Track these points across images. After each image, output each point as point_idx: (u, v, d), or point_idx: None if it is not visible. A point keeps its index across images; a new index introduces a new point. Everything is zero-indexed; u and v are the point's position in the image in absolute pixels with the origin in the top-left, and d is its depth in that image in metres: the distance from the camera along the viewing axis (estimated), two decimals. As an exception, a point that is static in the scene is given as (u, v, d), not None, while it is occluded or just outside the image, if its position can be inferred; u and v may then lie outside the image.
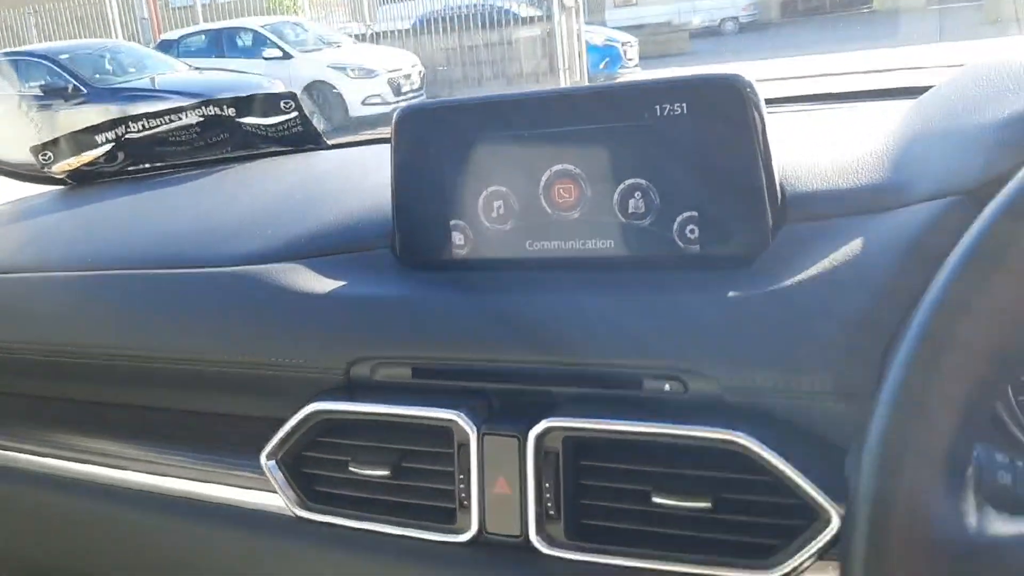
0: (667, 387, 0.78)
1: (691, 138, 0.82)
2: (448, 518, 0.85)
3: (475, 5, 13.10)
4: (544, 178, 0.87)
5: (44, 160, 1.45)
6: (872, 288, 0.71)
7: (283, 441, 0.92)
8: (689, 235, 0.83)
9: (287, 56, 11.93)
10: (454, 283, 0.89)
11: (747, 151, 0.80)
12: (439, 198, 0.91)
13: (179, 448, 1.03)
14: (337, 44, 12.77)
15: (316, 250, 0.98)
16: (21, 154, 1.53)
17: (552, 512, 0.80)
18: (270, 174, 1.29)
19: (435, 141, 0.91)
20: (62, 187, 1.50)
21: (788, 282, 0.75)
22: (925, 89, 0.91)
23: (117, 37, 14.37)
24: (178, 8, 16.27)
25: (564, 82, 12.01)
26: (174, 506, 1.00)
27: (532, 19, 12.82)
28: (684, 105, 0.82)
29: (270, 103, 1.43)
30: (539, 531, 0.80)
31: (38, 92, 10.19)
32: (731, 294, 0.76)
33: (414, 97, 11.54)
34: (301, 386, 0.92)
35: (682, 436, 0.75)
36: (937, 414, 0.46)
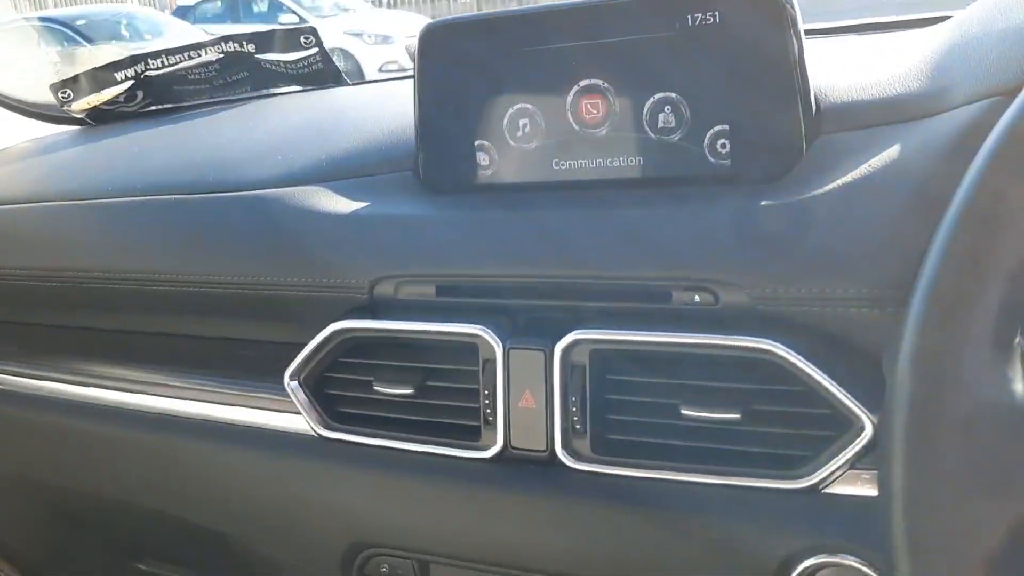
0: (697, 299, 0.76)
1: (724, 48, 0.80)
2: (473, 435, 0.84)
3: (494, -31, 12.95)
4: (571, 93, 0.85)
5: (63, 98, 1.44)
6: (910, 192, 0.69)
7: (306, 361, 0.91)
8: (720, 150, 0.81)
9: (303, 22, 11.87)
10: (479, 203, 0.88)
11: (782, 60, 0.77)
12: (464, 117, 0.90)
13: (201, 373, 1.03)
14: (353, 9, 12.70)
15: (339, 173, 0.97)
16: (41, 95, 1.53)
17: (578, 427, 0.79)
18: (291, 107, 1.27)
19: (460, 58, 0.89)
20: (82, 126, 1.49)
21: (822, 190, 0.73)
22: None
23: (134, 3, 14.34)
24: (194, -26, 16.19)
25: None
26: (196, 430, 1.00)
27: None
28: (717, 14, 0.80)
29: (290, 38, 1.41)
30: (565, 446, 0.80)
31: (55, 59, 10.19)
32: (763, 203, 0.74)
33: (431, 64, 11.40)
34: (324, 308, 0.91)
35: (713, 346, 0.74)
36: (984, 282, 0.45)
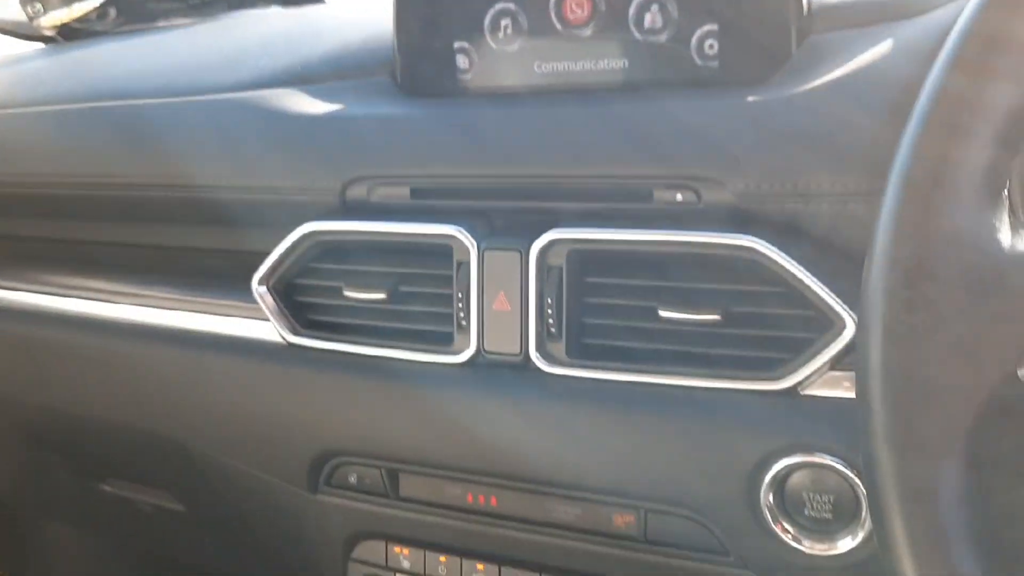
0: (679, 197, 0.74)
1: (713, -58, 0.77)
2: (446, 342, 0.82)
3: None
4: (555, -9, 0.82)
5: (33, 12, 1.39)
6: (897, 89, 0.67)
7: (275, 266, 0.88)
8: (708, 51, 0.78)
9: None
10: (456, 105, 0.85)
11: (772, -45, 0.75)
12: (443, 18, 0.87)
13: (168, 282, 1.00)
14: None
15: (312, 78, 0.93)
16: (11, 11, 1.48)
17: (553, 330, 0.77)
18: (269, 18, 1.24)
19: None
20: (54, 43, 1.44)
21: (809, 86, 0.71)
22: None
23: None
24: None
25: None
26: (163, 338, 0.97)
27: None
28: (706, -92, 0.77)
29: (268, -48, 1.37)
30: (539, 349, 0.78)
31: None
32: (749, 99, 0.72)
33: None
34: (295, 212, 0.88)
35: (694, 244, 0.72)
36: (970, 129, 0.42)
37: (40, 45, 1.46)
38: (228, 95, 0.94)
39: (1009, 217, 0.43)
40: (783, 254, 0.69)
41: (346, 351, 0.86)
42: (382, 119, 0.85)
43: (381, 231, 0.84)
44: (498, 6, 0.84)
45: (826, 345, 0.68)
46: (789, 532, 0.69)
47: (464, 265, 0.79)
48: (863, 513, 0.67)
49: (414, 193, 0.84)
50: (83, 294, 1.04)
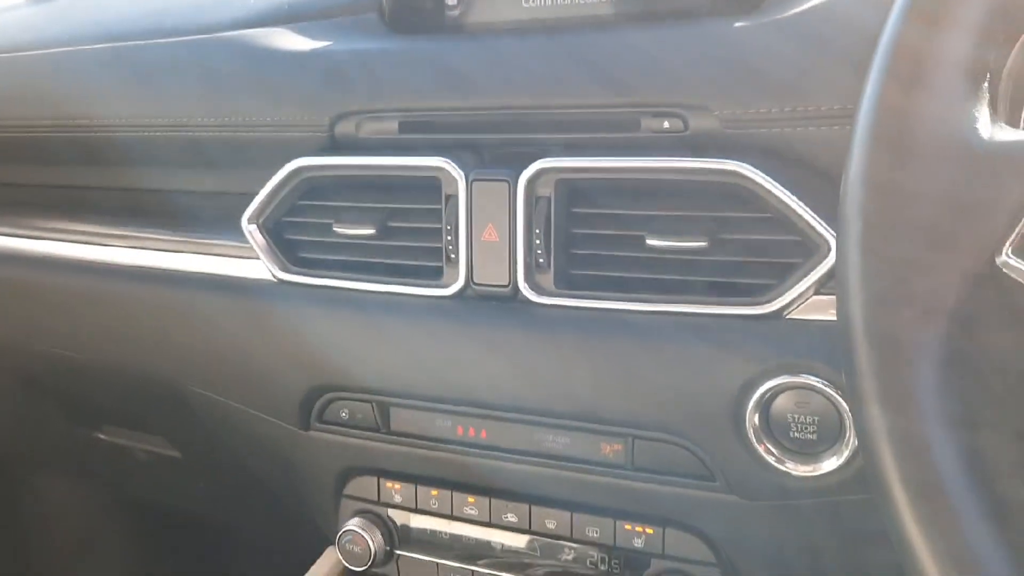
0: (666, 124, 0.74)
1: None
2: (435, 275, 0.82)
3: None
4: (543, -79, 0.82)
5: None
6: (881, 11, 0.67)
7: (265, 203, 0.88)
8: (694, -20, 0.78)
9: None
10: (443, 39, 0.85)
11: None
12: None
13: (159, 224, 1.00)
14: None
15: (300, 15, 0.93)
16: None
17: (541, 261, 0.77)
18: None
19: None
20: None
21: (794, 11, 0.70)
22: None
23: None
24: None
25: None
26: (155, 280, 0.97)
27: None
28: None
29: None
30: (528, 280, 0.78)
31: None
32: (736, 25, 0.72)
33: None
34: (284, 150, 0.88)
35: (682, 170, 0.72)
36: (950, 20, 0.43)
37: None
38: (216, 35, 0.94)
39: (989, 109, 0.43)
40: (769, 178, 0.69)
41: (336, 286, 0.86)
42: (370, 55, 0.85)
43: (370, 165, 0.84)
44: None
45: (811, 269, 0.69)
46: (774, 454, 0.70)
47: (453, 198, 0.80)
48: (847, 433, 0.68)
49: (402, 127, 0.84)
50: (75, 238, 1.04)
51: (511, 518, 0.86)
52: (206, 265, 0.95)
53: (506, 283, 0.79)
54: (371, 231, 0.84)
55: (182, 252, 0.97)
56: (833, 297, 0.68)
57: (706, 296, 0.73)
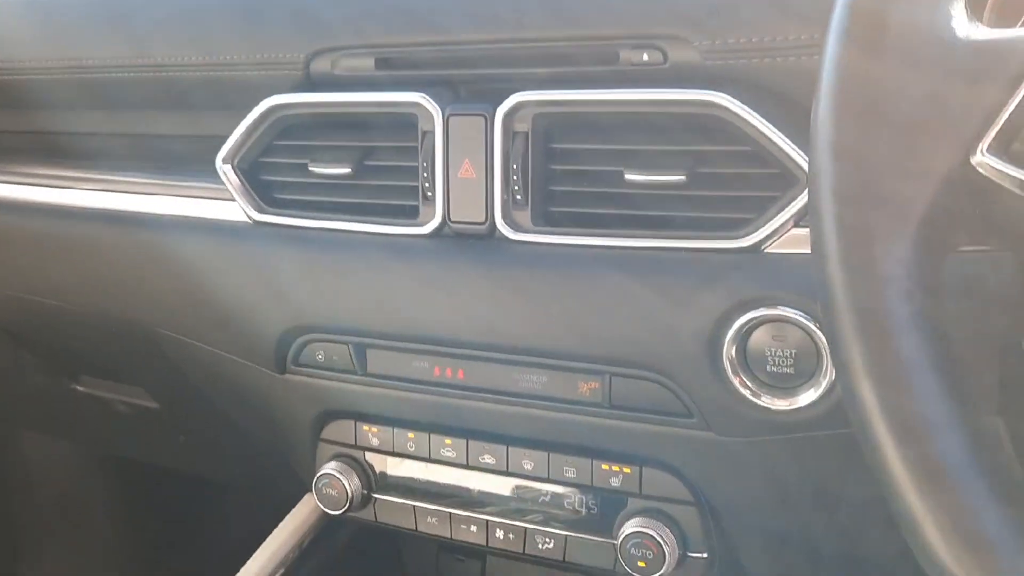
0: (645, 57, 0.73)
1: None
2: (411, 214, 0.81)
3: None
4: None
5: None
6: None
7: (240, 142, 0.87)
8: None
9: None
10: None
11: None
12: None
13: (137, 169, 0.99)
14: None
15: None
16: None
17: (519, 197, 0.76)
18: None
19: None
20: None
21: None
22: None
23: None
24: None
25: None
26: (133, 223, 0.96)
27: None
28: None
29: None
30: (505, 217, 0.77)
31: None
32: None
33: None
34: (258, 90, 0.87)
35: (661, 102, 0.71)
36: None
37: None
38: None
39: (966, 8, 0.42)
40: (748, 108, 0.68)
41: (311, 226, 0.85)
42: None
43: (346, 102, 0.82)
44: None
45: (790, 201, 0.68)
46: (750, 388, 0.70)
47: (429, 134, 0.78)
48: (824, 366, 0.67)
49: (378, 63, 0.82)
50: (47, 182, 1.03)
51: (488, 459, 0.85)
52: (180, 207, 0.94)
53: (483, 220, 0.78)
54: (347, 170, 0.83)
55: (156, 195, 0.95)
56: (811, 230, 0.68)
57: (684, 231, 0.72)
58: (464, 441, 0.86)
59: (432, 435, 0.87)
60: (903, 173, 0.42)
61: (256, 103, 0.86)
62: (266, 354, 0.90)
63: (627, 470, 0.80)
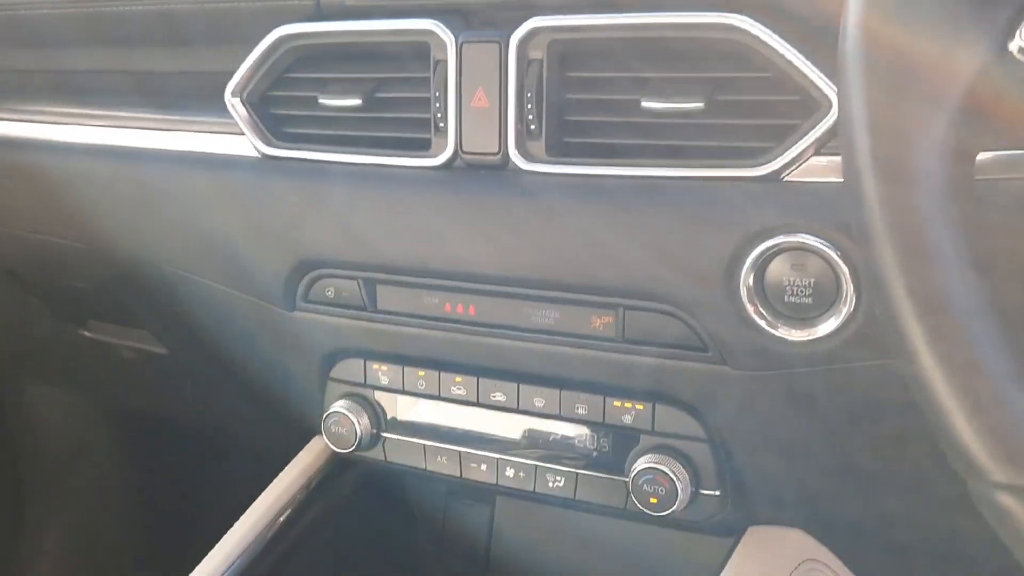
0: None
1: None
2: (423, 146, 0.80)
3: None
4: None
5: None
6: None
7: (249, 75, 0.86)
8: None
9: None
10: None
11: None
12: None
13: (146, 105, 0.97)
14: None
15: None
16: None
17: (533, 127, 0.75)
18: None
19: None
20: None
21: None
22: None
23: None
24: None
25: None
26: (142, 158, 0.95)
27: None
28: None
29: None
30: (519, 147, 0.76)
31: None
32: None
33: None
34: (269, 22, 0.85)
35: (680, 26, 0.69)
36: None
37: None
38: None
39: None
40: (770, 32, 0.66)
41: (321, 159, 0.84)
42: None
43: (357, 31, 0.81)
44: None
45: (811, 127, 0.66)
46: (766, 318, 0.68)
47: (442, 63, 0.77)
48: (844, 294, 0.66)
49: None
50: (55, 119, 1.02)
51: (499, 397, 0.84)
52: (189, 143, 0.93)
53: (496, 151, 0.76)
54: (358, 102, 0.82)
55: (163, 130, 0.94)
56: (833, 158, 0.67)
57: (701, 160, 0.71)
58: (475, 379, 0.85)
59: (442, 373, 0.86)
60: (938, 66, 0.40)
61: (263, 35, 0.84)
62: (275, 291, 0.89)
63: (639, 407, 0.79)
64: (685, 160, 0.71)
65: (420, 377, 0.88)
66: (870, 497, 0.79)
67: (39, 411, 1.61)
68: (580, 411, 0.81)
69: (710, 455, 0.78)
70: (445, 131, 0.78)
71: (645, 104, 0.71)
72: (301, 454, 0.99)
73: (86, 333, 1.26)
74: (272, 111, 0.87)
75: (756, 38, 0.67)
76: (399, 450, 0.91)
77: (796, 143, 0.67)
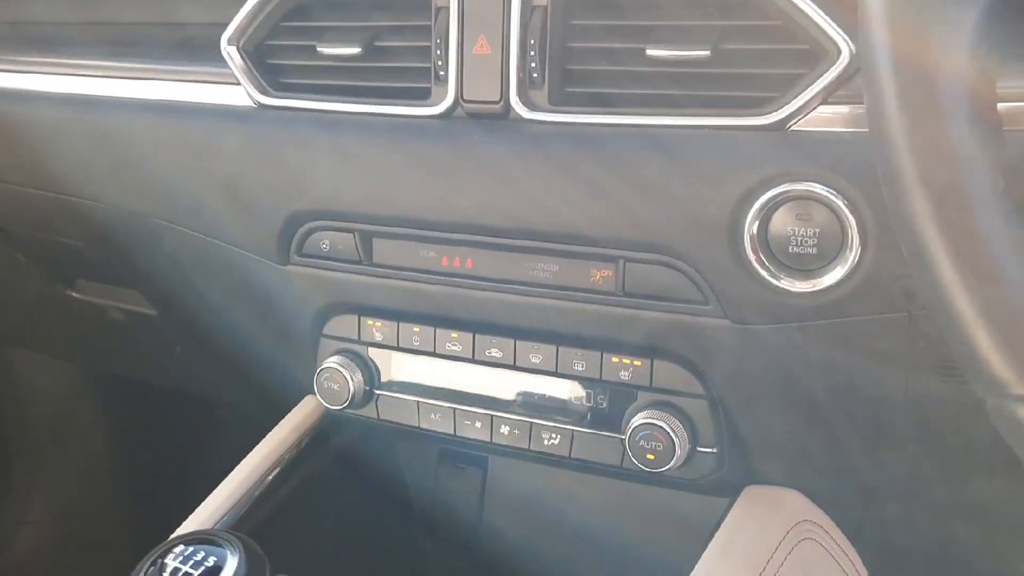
0: None
1: None
2: (423, 96, 0.79)
3: None
4: None
5: None
6: None
7: (246, 23, 0.84)
8: None
9: None
10: None
11: None
12: None
13: (141, 55, 0.95)
14: None
15: None
16: None
17: (536, 75, 0.74)
18: None
19: None
20: None
21: None
22: None
23: None
24: None
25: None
26: (135, 109, 0.93)
27: None
28: None
29: None
30: (521, 95, 0.74)
31: None
32: None
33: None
34: None
35: None
36: None
37: None
38: None
39: None
40: None
41: (318, 108, 0.82)
42: None
43: None
44: None
45: (819, 76, 0.65)
46: (770, 269, 0.68)
47: (443, 10, 0.76)
48: (849, 244, 0.65)
49: None
50: (46, 69, 0.99)
51: (495, 353, 0.83)
52: (183, 93, 0.91)
53: (497, 99, 0.75)
54: (357, 50, 0.80)
55: (158, 80, 0.92)
56: (840, 108, 0.66)
57: (707, 108, 0.70)
58: (471, 335, 0.84)
59: (438, 329, 0.85)
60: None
61: None
62: (269, 243, 0.87)
63: (637, 363, 0.78)
64: (690, 109, 0.70)
65: (415, 333, 0.86)
66: (869, 457, 0.79)
67: (26, 377, 1.59)
68: (577, 367, 0.80)
69: (708, 412, 0.77)
70: (445, 79, 0.77)
71: (650, 52, 0.70)
72: (292, 412, 0.98)
73: (74, 294, 1.24)
74: (269, 60, 0.86)
75: None
76: (392, 407, 0.90)
77: (803, 92, 0.66)
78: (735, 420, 0.78)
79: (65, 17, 1.03)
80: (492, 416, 0.85)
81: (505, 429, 0.85)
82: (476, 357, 0.84)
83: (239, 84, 0.86)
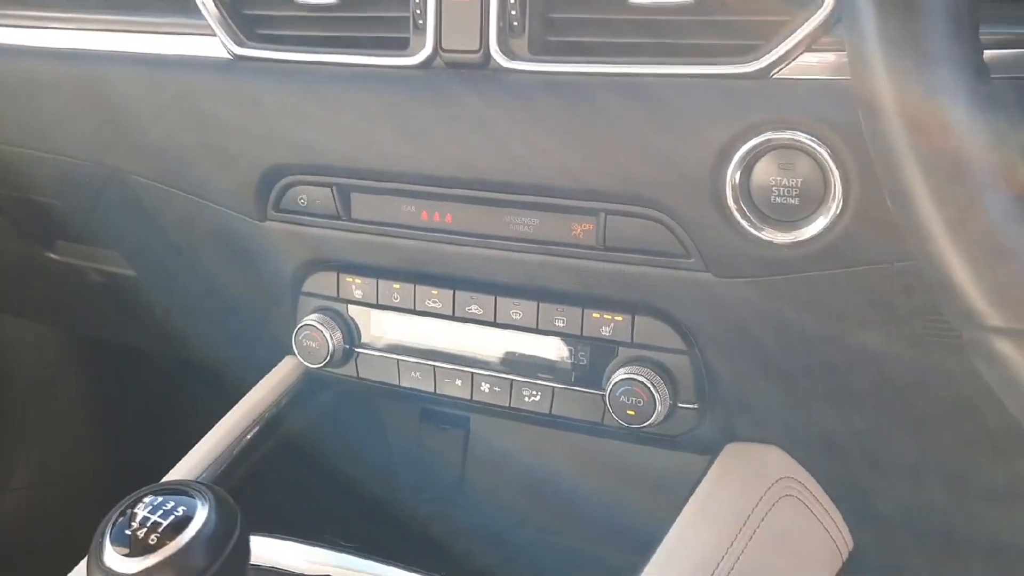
0: None
1: None
2: (401, 46, 0.77)
3: None
4: None
5: None
6: None
7: (221, -29, 0.82)
8: None
9: None
10: None
11: None
12: None
13: (114, 6, 0.93)
14: None
15: None
16: None
17: (516, 24, 0.72)
18: None
19: None
20: None
21: None
22: None
23: None
24: None
25: None
26: (110, 61, 0.90)
27: None
28: None
29: None
30: (501, 44, 0.73)
31: None
32: None
33: None
34: None
35: None
36: None
37: None
38: None
39: None
40: None
41: (295, 59, 0.81)
42: None
43: None
44: None
45: (802, 23, 0.64)
46: (751, 220, 0.67)
47: None
48: (831, 194, 0.64)
49: None
50: (14, 22, 0.97)
51: (475, 310, 0.82)
52: (158, 44, 0.89)
53: (476, 48, 0.74)
54: (334, 0, 0.79)
55: (133, 32, 0.90)
56: (824, 55, 0.65)
57: (690, 56, 0.68)
58: (451, 292, 0.83)
59: (418, 285, 0.84)
60: None
61: None
62: (246, 198, 0.86)
63: (618, 318, 0.78)
64: (672, 58, 0.69)
65: (395, 290, 0.85)
66: (848, 413, 0.78)
67: (6, 341, 1.57)
68: (558, 323, 0.80)
69: (689, 367, 0.77)
70: (424, 28, 0.75)
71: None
72: (272, 372, 0.97)
73: (53, 256, 1.23)
74: (245, 11, 0.84)
75: None
76: (372, 366, 0.89)
77: (786, 39, 0.65)
78: (716, 376, 0.78)
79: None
80: (472, 374, 0.85)
81: (486, 387, 0.85)
82: (456, 314, 0.83)
83: (215, 35, 0.84)
